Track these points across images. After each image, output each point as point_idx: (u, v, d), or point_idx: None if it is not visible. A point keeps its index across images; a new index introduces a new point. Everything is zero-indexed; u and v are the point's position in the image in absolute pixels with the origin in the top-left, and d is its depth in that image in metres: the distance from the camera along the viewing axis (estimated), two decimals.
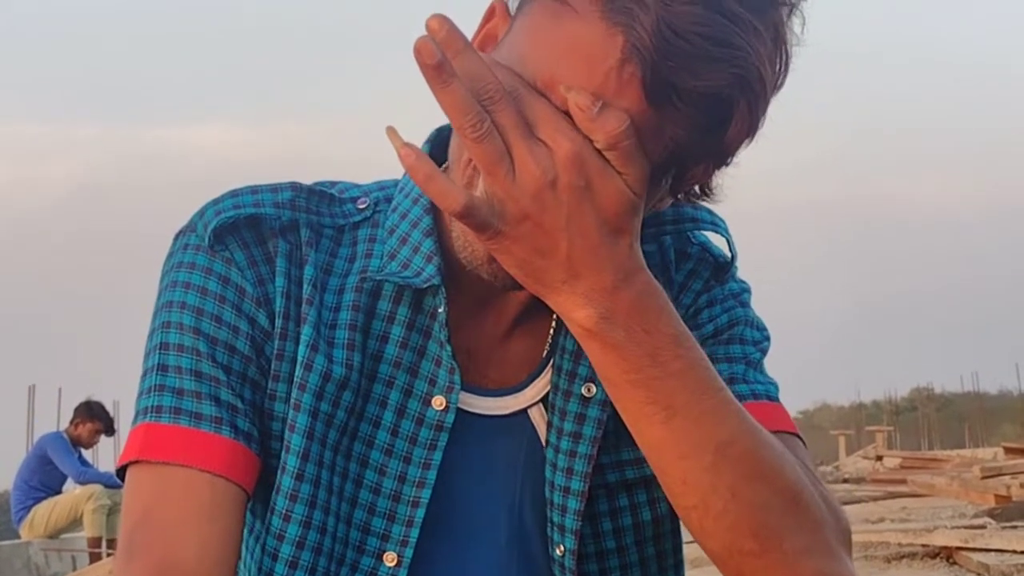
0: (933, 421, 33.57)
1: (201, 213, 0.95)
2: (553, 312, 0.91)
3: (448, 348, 0.92)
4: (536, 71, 0.80)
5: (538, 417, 0.98)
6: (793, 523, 0.85)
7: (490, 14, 0.91)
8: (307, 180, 0.99)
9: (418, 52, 0.75)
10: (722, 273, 1.03)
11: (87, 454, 8.70)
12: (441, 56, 0.75)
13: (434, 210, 0.94)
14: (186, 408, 0.89)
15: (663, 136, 0.80)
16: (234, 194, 0.95)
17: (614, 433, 0.96)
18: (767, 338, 1.04)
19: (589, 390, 0.95)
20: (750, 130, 0.81)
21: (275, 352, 0.92)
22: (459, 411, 0.95)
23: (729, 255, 1.03)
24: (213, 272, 0.92)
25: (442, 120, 0.87)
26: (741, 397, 0.94)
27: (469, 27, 0.91)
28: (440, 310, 0.92)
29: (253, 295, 0.92)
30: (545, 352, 0.98)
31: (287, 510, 0.90)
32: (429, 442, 0.94)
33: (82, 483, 8.09)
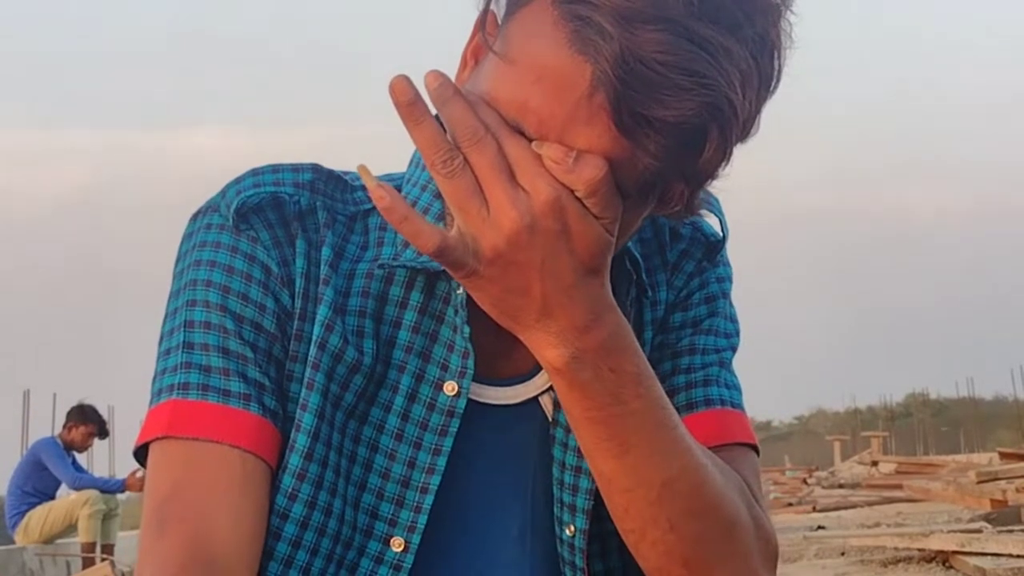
0: (928, 427, 33.64)
1: (223, 193, 0.95)
2: None
3: (466, 330, 0.92)
4: (509, 97, 0.80)
5: (549, 404, 0.98)
6: (724, 553, 0.89)
7: (479, 24, 0.90)
8: None
9: (392, 90, 0.76)
10: (714, 253, 1.04)
11: (81, 459, 8.68)
12: (414, 94, 0.76)
13: (443, 196, 0.94)
14: (214, 385, 0.89)
15: (637, 164, 0.79)
16: (255, 173, 0.95)
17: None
18: (738, 332, 1.06)
19: None
20: (725, 154, 0.81)
21: (294, 332, 0.92)
22: (471, 401, 0.94)
23: (720, 234, 1.03)
24: (239, 251, 0.92)
25: None
26: (709, 402, 0.99)
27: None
28: (459, 291, 0.91)
29: (278, 274, 0.92)
30: None
31: (293, 489, 0.90)
32: (440, 428, 0.93)
33: (76, 488, 8.06)
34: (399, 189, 0.97)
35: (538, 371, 0.97)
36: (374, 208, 0.95)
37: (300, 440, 0.90)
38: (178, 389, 0.89)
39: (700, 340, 1.01)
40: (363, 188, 0.98)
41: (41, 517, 7.93)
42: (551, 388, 0.97)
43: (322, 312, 0.92)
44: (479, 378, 0.95)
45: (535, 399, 0.98)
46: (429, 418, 0.93)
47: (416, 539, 0.93)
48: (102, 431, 8.53)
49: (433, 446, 0.93)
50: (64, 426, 8.35)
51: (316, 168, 0.97)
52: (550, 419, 0.98)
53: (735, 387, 1.02)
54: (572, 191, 0.78)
